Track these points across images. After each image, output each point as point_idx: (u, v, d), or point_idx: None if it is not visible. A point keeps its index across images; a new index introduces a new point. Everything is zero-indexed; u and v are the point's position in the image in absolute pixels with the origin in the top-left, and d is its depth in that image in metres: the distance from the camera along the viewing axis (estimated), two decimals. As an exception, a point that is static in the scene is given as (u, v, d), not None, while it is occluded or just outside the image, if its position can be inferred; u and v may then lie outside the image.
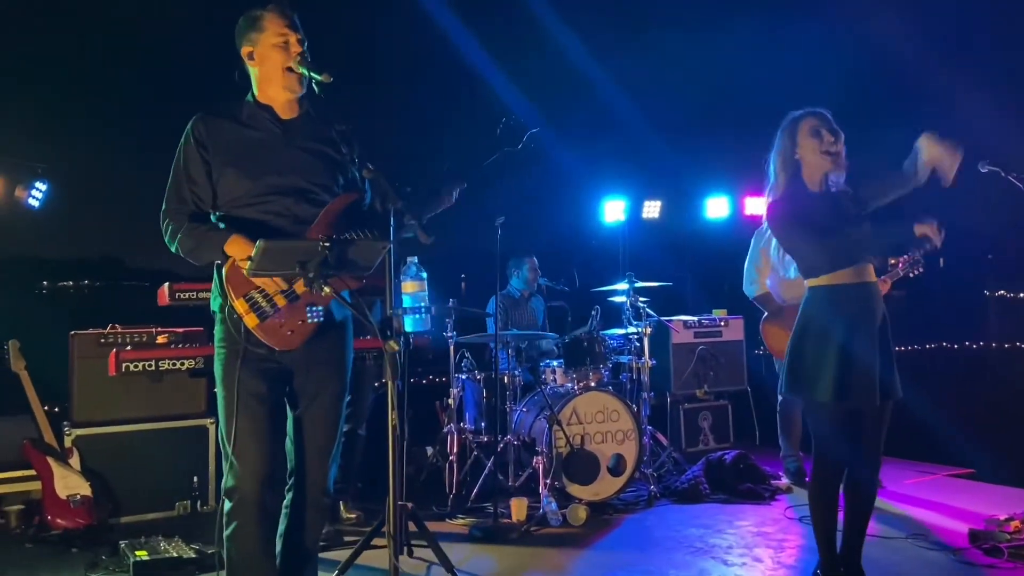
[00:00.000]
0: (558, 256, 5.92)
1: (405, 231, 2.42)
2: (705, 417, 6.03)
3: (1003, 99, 5.26)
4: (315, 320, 2.41)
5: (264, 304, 2.34)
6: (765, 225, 4.15)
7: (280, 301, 2.38)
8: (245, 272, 2.26)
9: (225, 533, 2.39)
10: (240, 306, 2.31)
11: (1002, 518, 3.59)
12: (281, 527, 2.62)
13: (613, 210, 6.97)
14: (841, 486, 2.93)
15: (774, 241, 3.93)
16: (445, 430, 4.81)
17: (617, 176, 6.96)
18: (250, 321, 2.32)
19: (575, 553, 3.73)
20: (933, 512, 3.99)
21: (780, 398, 4.72)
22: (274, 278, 2.34)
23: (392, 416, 2.20)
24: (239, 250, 2.31)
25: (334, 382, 2.59)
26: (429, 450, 4.98)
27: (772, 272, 4.55)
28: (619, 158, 6.85)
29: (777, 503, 4.52)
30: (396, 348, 2.19)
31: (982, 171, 3.68)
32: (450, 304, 4.71)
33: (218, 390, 2.43)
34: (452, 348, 4.78)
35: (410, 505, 3.53)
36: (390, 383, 2.19)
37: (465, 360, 5.00)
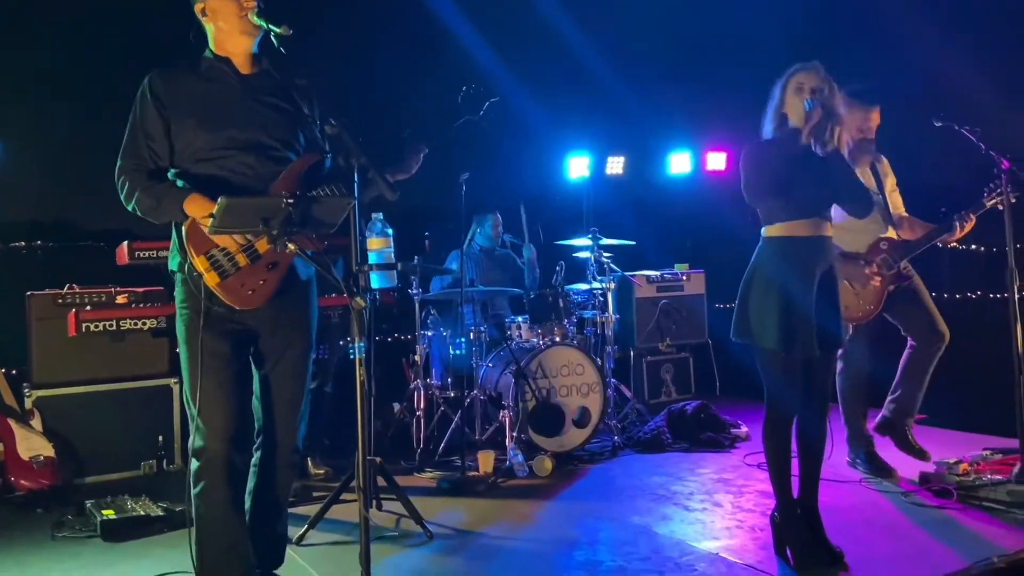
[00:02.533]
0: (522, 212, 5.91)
1: (371, 189, 2.40)
2: (667, 369, 6.15)
3: (963, 40, 5.33)
4: (277, 279, 2.40)
5: (225, 263, 2.32)
6: None
7: (241, 260, 2.36)
8: (207, 230, 2.24)
9: (193, 492, 2.40)
10: (200, 264, 2.29)
11: (952, 461, 3.75)
12: (250, 484, 2.64)
13: (577, 166, 6.96)
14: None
15: None
16: (412, 386, 4.84)
17: (582, 131, 6.93)
18: (210, 280, 2.30)
19: (541, 503, 3.82)
20: (886, 456, 4.14)
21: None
22: (235, 236, 2.32)
23: (360, 372, 2.21)
24: (199, 208, 2.29)
25: (300, 340, 2.59)
26: (396, 406, 5.01)
27: None
28: (584, 112, 6.80)
29: (737, 451, 4.66)
30: (363, 305, 2.19)
31: (936, 125, 3.75)
32: (415, 261, 4.71)
33: (181, 351, 2.42)
34: (418, 305, 4.79)
35: (378, 459, 3.56)
36: (357, 340, 2.19)
37: (431, 316, 5.01)
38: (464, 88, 3.02)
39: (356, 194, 2.23)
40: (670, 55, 6.69)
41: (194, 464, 2.40)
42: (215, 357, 2.36)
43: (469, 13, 5.78)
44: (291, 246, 2.20)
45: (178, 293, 2.43)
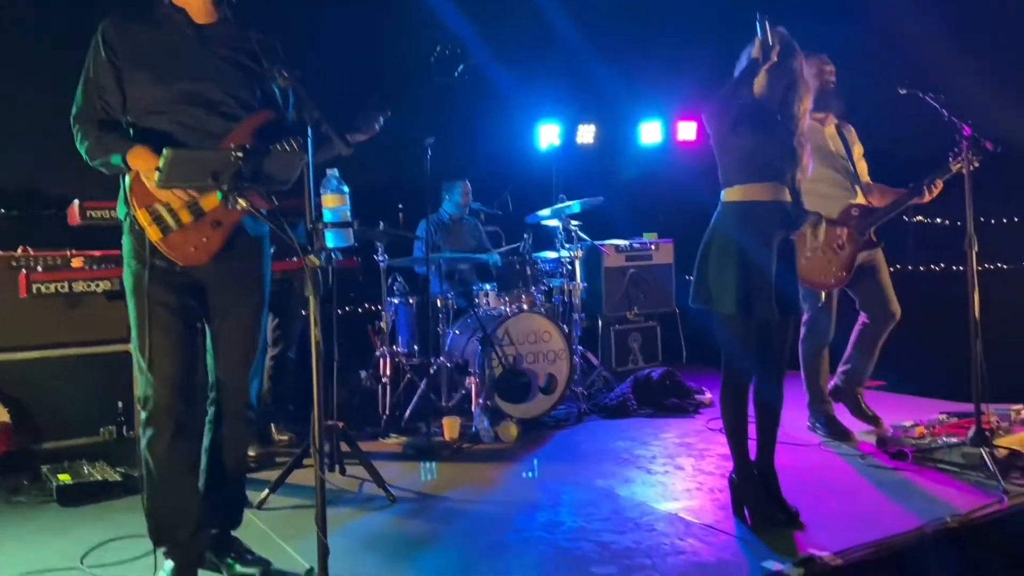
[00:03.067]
0: (492, 180, 5.87)
1: (326, 147, 2.36)
2: (635, 338, 6.17)
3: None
4: (221, 237, 2.36)
5: (167, 218, 2.29)
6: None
7: (184, 216, 2.32)
8: (155, 184, 2.18)
9: (141, 443, 2.38)
10: (143, 217, 2.25)
11: (908, 424, 3.81)
12: (206, 441, 2.63)
13: (548, 134, 6.91)
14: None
15: None
16: (378, 353, 4.82)
17: (552, 99, 6.87)
18: (153, 234, 2.27)
19: (506, 467, 3.83)
20: (844, 421, 4.20)
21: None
22: (179, 192, 2.27)
23: (315, 332, 2.18)
24: (142, 161, 2.24)
25: (250, 297, 2.56)
26: (363, 374, 4.98)
27: None
28: (554, 80, 6.74)
29: (700, 416, 4.71)
30: (317, 263, 2.15)
31: (900, 93, 3.76)
32: (380, 227, 4.65)
33: (128, 302, 2.39)
34: (383, 272, 4.75)
35: (341, 424, 3.55)
36: (311, 298, 2.16)
37: (397, 284, 4.97)
38: (437, 48, 2.94)
39: (310, 149, 2.17)
40: (641, 22, 6.64)
41: (143, 415, 2.38)
42: (163, 307, 2.33)
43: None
44: (242, 202, 2.15)
45: (125, 243, 2.39)
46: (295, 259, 4.00)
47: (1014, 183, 4.27)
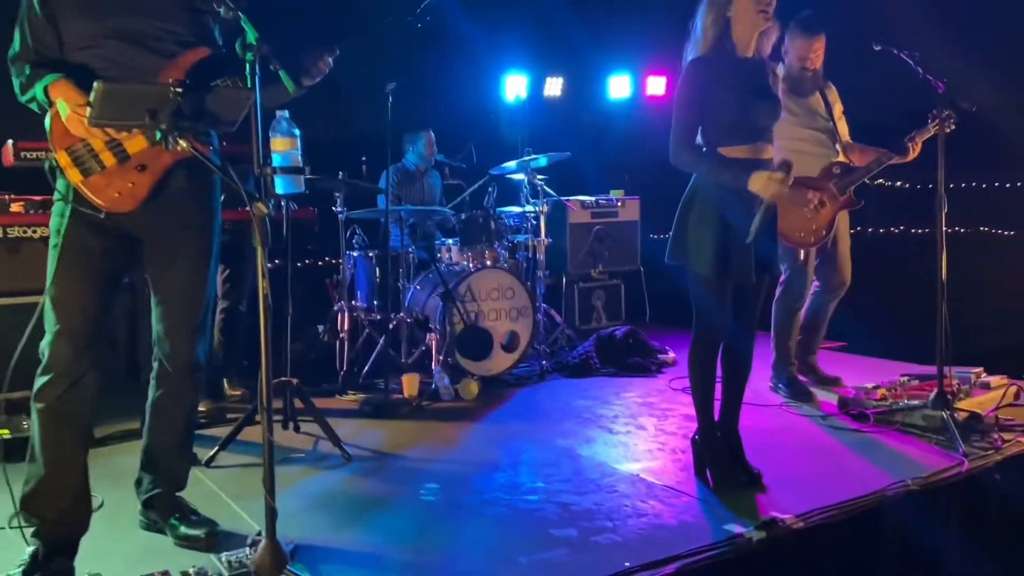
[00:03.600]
0: (456, 132, 5.69)
1: (275, 89, 2.19)
2: (599, 296, 6.10)
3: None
4: (149, 182, 2.20)
5: (88, 159, 2.12)
6: None
7: (107, 159, 2.15)
8: (86, 121, 2.01)
9: (32, 392, 2.21)
10: (62, 159, 2.09)
11: (869, 386, 3.81)
12: (150, 398, 2.50)
13: (515, 85, 6.73)
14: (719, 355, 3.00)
15: None
16: (335, 307, 4.68)
17: (519, 50, 6.67)
18: (73, 176, 2.11)
19: (465, 425, 3.75)
20: (806, 382, 4.19)
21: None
22: (100, 132, 2.09)
23: (262, 284, 2.05)
24: (65, 95, 2.06)
25: (194, 248, 2.41)
26: (320, 328, 4.85)
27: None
28: (522, 29, 6.53)
29: (663, 375, 4.67)
30: (265, 211, 2.01)
31: (875, 49, 3.67)
32: (339, 176, 4.48)
33: (50, 243, 2.22)
34: (342, 224, 4.58)
35: (295, 381, 3.42)
36: (259, 249, 2.02)
37: (357, 236, 4.81)
38: None
39: (257, 86, 2.01)
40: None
41: (41, 362, 2.21)
42: (80, 252, 2.17)
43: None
44: (182, 143, 1.99)
45: (56, 183, 2.22)
46: (247, 208, 3.85)
47: (975, 147, 4.21)
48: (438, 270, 4.48)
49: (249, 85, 2.02)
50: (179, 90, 1.93)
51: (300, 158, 2.26)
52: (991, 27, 5.48)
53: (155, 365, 2.48)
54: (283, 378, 3.39)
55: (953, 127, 3.44)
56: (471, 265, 4.61)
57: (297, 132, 2.24)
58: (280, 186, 2.22)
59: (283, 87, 2.11)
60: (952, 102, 3.38)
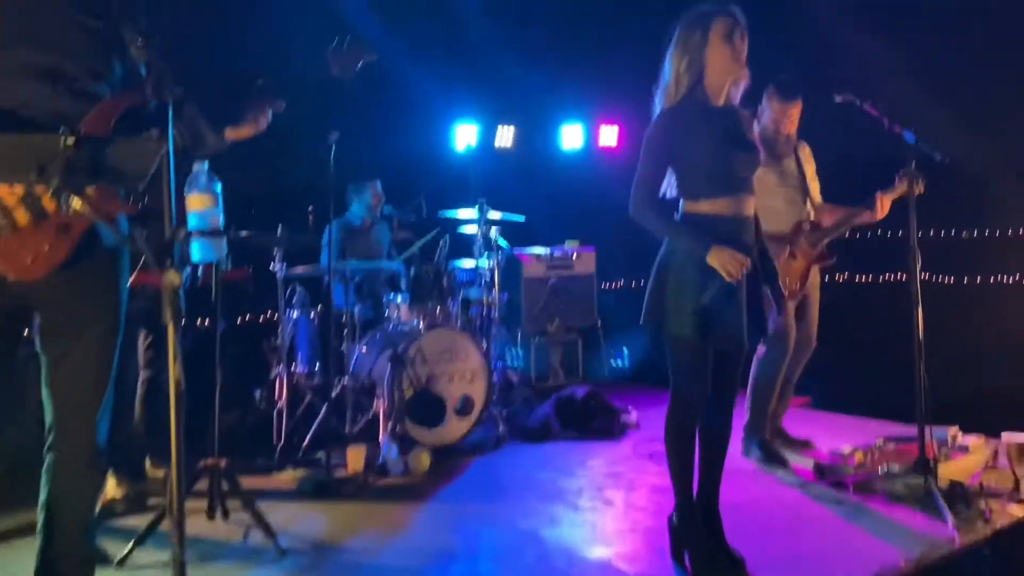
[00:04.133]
0: (405, 183, 5.43)
1: (192, 139, 1.90)
2: (556, 352, 5.85)
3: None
4: (69, 245, 1.88)
5: None
6: None
7: (20, 217, 1.82)
8: None
9: None
10: None
11: (845, 451, 3.60)
12: (42, 495, 2.12)
13: (465, 135, 6.54)
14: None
15: None
16: (273, 373, 4.31)
17: (470, 99, 6.50)
18: None
19: (416, 505, 3.41)
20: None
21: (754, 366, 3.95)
22: (11, 186, 1.77)
23: (173, 370, 1.73)
24: None
25: (100, 320, 2.07)
26: (257, 393, 4.46)
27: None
28: (472, 80, 6.37)
29: (627, 439, 4.41)
30: (177, 282, 1.70)
31: (837, 101, 3.56)
32: (278, 232, 4.15)
33: None
34: (281, 282, 4.24)
35: (222, 462, 3.05)
36: (169, 326, 1.70)
37: (297, 295, 4.47)
38: (336, 39, 2.49)
39: (170, 135, 1.72)
40: (562, 24, 6.34)
41: None
42: None
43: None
44: (76, 203, 1.67)
45: None
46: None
47: (947, 195, 4.13)
48: (385, 331, 4.16)
49: (158, 134, 1.72)
50: (71, 141, 1.62)
51: (221, 218, 1.96)
52: (964, 74, 5.50)
53: (48, 457, 2.11)
54: (209, 460, 3.02)
55: (922, 188, 3.35)
56: (421, 324, 4.31)
57: (218, 188, 1.95)
58: (197, 252, 1.91)
59: (204, 139, 1.82)
60: (920, 154, 3.25)
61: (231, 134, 2.08)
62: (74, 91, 1.94)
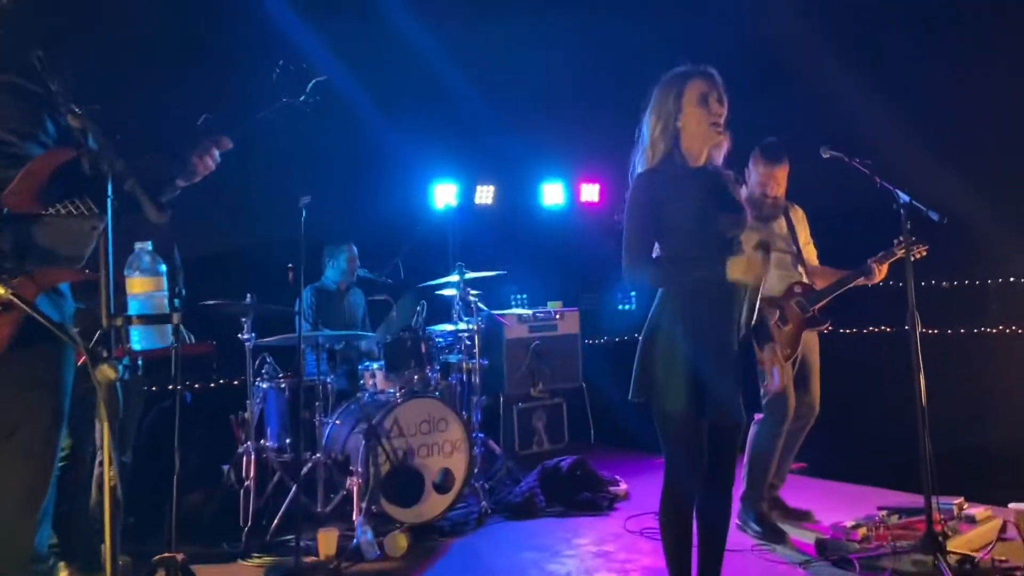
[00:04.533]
0: (381, 245, 5.28)
1: (134, 214, 1.73)
2: (540, 417, 5.63)
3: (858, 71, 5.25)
4: (12, 324, 1.69)
5: None
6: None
7: None
8: None
9: None
10: None
11: (848, 524, 3.40)
12: None
13: (444, 194, 6.42)
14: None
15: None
16: (240, 449, 4.06)
17: (448, 158, 6.40)
18: None
19: (393, 596, 3.16)
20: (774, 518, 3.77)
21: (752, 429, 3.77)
22: None
23: (109, 475, 1.53)
24: None
25: (42, 410, 1.89)
26: (225, 468, 4.20)
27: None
28: (451, 138, 6.28)
29: (616, 513, 4.18)
30: (112, 376, 1.51)
31: (824, 157, 3.47)
32: (247, 301, 3.97)
33: None
34: (249, 352, 4.03)
35: (180, 556, 2.79)
36: (104, 427, 1.51)
37: (267, 365, 4.25)
38: (280, 63, 2.33)
39: (109, 213, 1.55)
40: (542, 82, 6.30)
41: None
42: None
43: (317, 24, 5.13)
44: (1, 290, 1.49)
45: None
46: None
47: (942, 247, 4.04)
48: (359, 403, 3.95)
49: (95, 209, 1.55)
50: (-8, 221, 1.44)
51: (166, 302, 1.78)
52: (960, 129, 5.48)
53: None
54: (166, 554, 2.76)
55: (923, 253, 3.25)
56: (398, 394, 4.10)
57: (163, 269, 1.77)
58: (137, 340, 1.73)
59: (144, 213, 1.65)
60: (915, 212, 3.14)
61: (182, 183, 1.92)
62: (2, 154, 1.78)
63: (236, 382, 4.96)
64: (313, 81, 2.28)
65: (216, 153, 1.95)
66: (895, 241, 3.59)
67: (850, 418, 5.18)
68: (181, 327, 3.56)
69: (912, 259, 3.58)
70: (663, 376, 2.44)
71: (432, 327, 4.76)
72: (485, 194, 6.58)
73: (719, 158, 2.60)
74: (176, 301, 2.68)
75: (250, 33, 4.74)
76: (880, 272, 3.70)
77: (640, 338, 2.54)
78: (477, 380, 4.52)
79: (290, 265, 4.59)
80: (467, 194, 6.52)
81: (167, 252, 3.61)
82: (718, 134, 2.48)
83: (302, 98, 2.28)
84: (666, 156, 2.50)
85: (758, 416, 3.74)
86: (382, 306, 5.24)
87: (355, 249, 5.01)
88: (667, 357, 2.44)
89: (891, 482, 4.27)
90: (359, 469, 3.80)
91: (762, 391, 3.68)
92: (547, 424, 5.65)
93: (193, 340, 3.41)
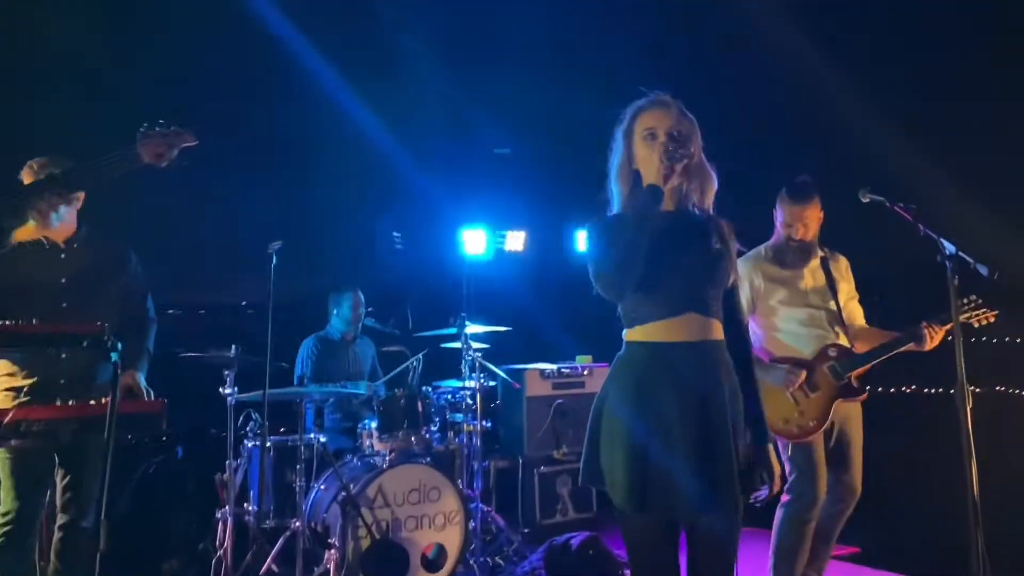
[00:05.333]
0: (394, 292, 5.01)
1: None
2: (564, 482, 5.16)
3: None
4: None
5: None
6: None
7: None
8: None
9: None
10: None
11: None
12: None
13: (473, 241, 6.13)
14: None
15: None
16: (218, 514, 3.76)
17: (478, 203, 6.14)
18: None
19: None
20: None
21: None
22: None
23: None
24: None
25: None
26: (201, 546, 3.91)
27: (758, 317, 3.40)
28: (480, 183, 6.04)
29: (630, 602, 3.67)
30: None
31: (863, 201, 3.01)
32: (231, 352, 3.71)
33: None
34: (231, 408, 3.76)
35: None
36: None
37: (252, 422, 3.97)
38: (145, 125, 2.12)
39: None
40: (568, 125, 5.99)
41: None
42: None
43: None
44: None
45: None
46: (92, 401, 3.06)
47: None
48: (336, 469, 3.60)
49: None
50: None
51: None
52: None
53: None
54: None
55: (990, 319, 2.75)
56: (384, 460, 3.74)
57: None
58: None
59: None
60: (963, 264, 2.64)
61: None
62: None
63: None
64: (178, 149, 2.02)
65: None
66: (959, 303, 3.06)
67: (905, 493, 4.56)
68: (143, 383, 3.33)
69: (976, 325, 3.10)
70: (607, 459, 2.02)
71: (443, 382, 4.42)
72: (515, 240, 6.25)
73: (705, 202, 2.18)
74: (113, 355, 2.44)
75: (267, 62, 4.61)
76: (934, 338, 3.15)
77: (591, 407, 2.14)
78: (478, 443, 4.12)
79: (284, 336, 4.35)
80: (496, 239, 6.21)
81: (140, 302, 3.42)
82: (668, 171, 2.04)
83: (171, 162, 2.03)
84: (630, 200, 2.12)
85: (785, 498, 3.24)
86: (399, 358, 4.94)
87: (361, 295, 4.73)
88: (609, 434, 2.03)
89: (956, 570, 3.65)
90: (336, 542, 3.45)
91: (787, 472, 3.20)
92: (572, 490, 5.17)
93: (151, 396, 3.15)
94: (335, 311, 4.70)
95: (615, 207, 2.18)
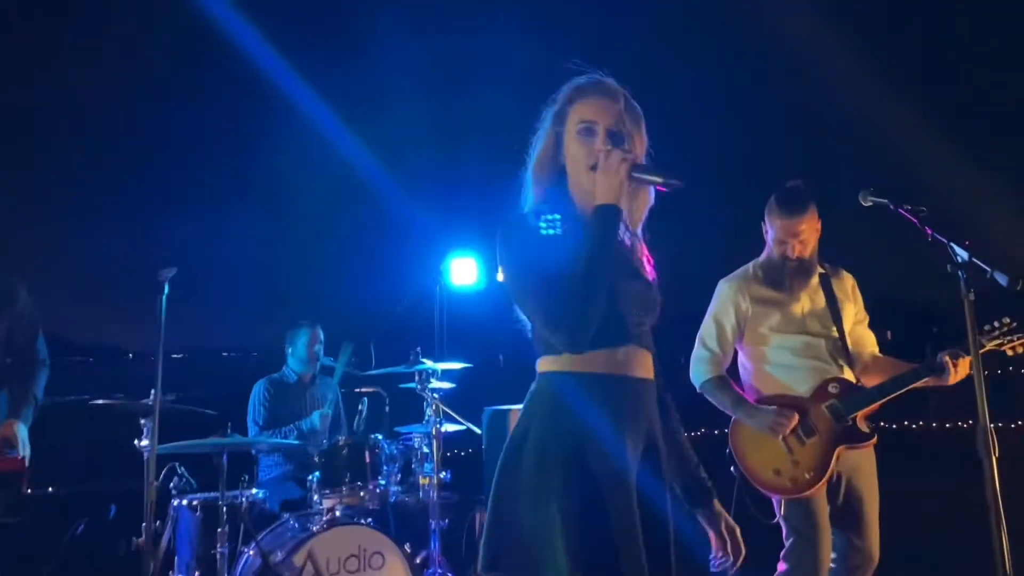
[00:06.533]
0: (351, 326, 4.57)
1: None
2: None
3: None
4: None
5: None
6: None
7: None
8: None
9: None
10: None
11: None
12: None
13: (463, 271, 5.66)
14: None
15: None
16: (133, 585, 3.30)
17: (465, 230, 5.70)
18: None
19: None
20: None
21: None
22: None
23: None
24: None
25: None
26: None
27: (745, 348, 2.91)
28: (467, 209, 5.61)
29: None
30: None
31: (864, 204, 2.48)
32: (150, 399, 3.27)
33: None
34: (147, 463, 3.31)
35: None
36: None
37: (177, 477, 3.52)
38: None
39: None
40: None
41: None
42: None
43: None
44: None
45: None
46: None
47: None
48: (255, 540, 3.11)
49: None
50: None
51: None
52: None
53: None
54: None
55: (1014, 350, 2.21)
56: (317, 523, 3.25)
57: None
58: None
59: None
60: (978, 271, 2.08)
61: None
62: None
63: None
64: None
65: None
66: (989, 327, 2.53)
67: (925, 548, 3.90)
68: (22, 434, 2.90)
69: (1011, 353, 2.53)
70: (531, 525, 1.54)
71: (408, 427, 3.93)
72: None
73: (636, 217, 1.75)
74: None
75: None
76: (958, 371, 2.55)
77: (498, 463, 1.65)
78: (435, 497, 3.59)
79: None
80: (487, 269, 5.73)
81: (29, 342, 3.03)
82: (610, 189, 1.61)
83: None
84: (539, 203, 1.73)
85: (781, 566, 2.66)
86: (376, 399, 4.45)
87: (320, 332, 4.29)
88: (538, 496, 1.55)
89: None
90: (254, 620, 2.96)
91: (784, 535, 2.68)
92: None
93: (21, 455, 2.73)
94: (289, 349, 4.27)
95: (527, 202, 1.77)
